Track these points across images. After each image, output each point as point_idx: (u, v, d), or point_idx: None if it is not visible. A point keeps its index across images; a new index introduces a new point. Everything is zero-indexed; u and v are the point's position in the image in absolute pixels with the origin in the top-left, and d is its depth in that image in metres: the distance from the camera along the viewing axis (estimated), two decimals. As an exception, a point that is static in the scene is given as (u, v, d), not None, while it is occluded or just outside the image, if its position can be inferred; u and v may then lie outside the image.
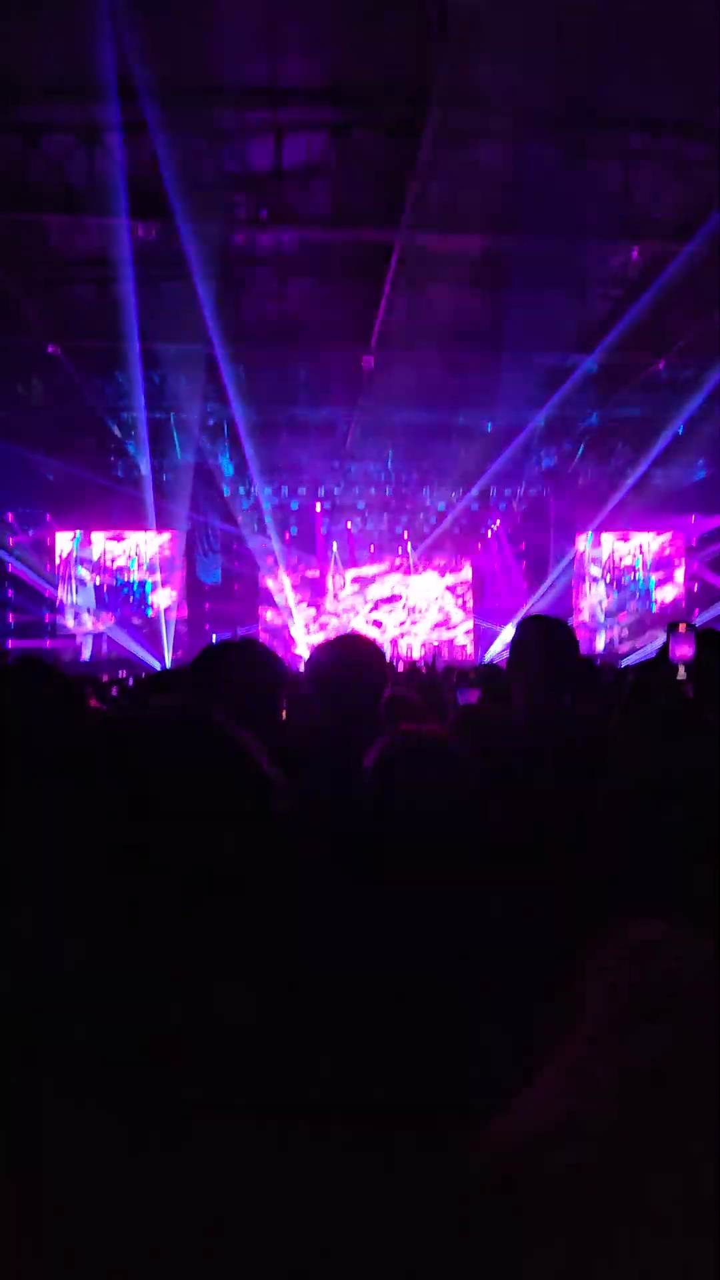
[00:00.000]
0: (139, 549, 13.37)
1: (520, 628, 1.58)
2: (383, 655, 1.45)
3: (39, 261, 7.50)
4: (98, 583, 13.33)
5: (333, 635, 1.62)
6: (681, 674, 1.44)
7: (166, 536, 13.35)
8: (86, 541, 13.33)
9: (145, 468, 11.09)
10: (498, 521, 14.44)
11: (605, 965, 0.39)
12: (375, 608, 14.60)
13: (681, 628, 1.50)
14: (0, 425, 10.41)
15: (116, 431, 11.37)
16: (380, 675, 1.40)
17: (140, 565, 13.37)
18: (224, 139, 6.15)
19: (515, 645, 1.54)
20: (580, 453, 12.56)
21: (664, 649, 1.51)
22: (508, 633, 13.43)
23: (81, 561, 13.30)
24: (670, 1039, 0.33)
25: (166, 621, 13.11)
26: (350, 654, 1.40)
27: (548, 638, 1.52)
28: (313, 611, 14.35)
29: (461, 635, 14.72)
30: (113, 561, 13.39)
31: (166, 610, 13.38)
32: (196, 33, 5.32)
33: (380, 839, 0.88)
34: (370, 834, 0.89)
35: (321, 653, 1.44)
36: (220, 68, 5.68)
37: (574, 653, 1.54)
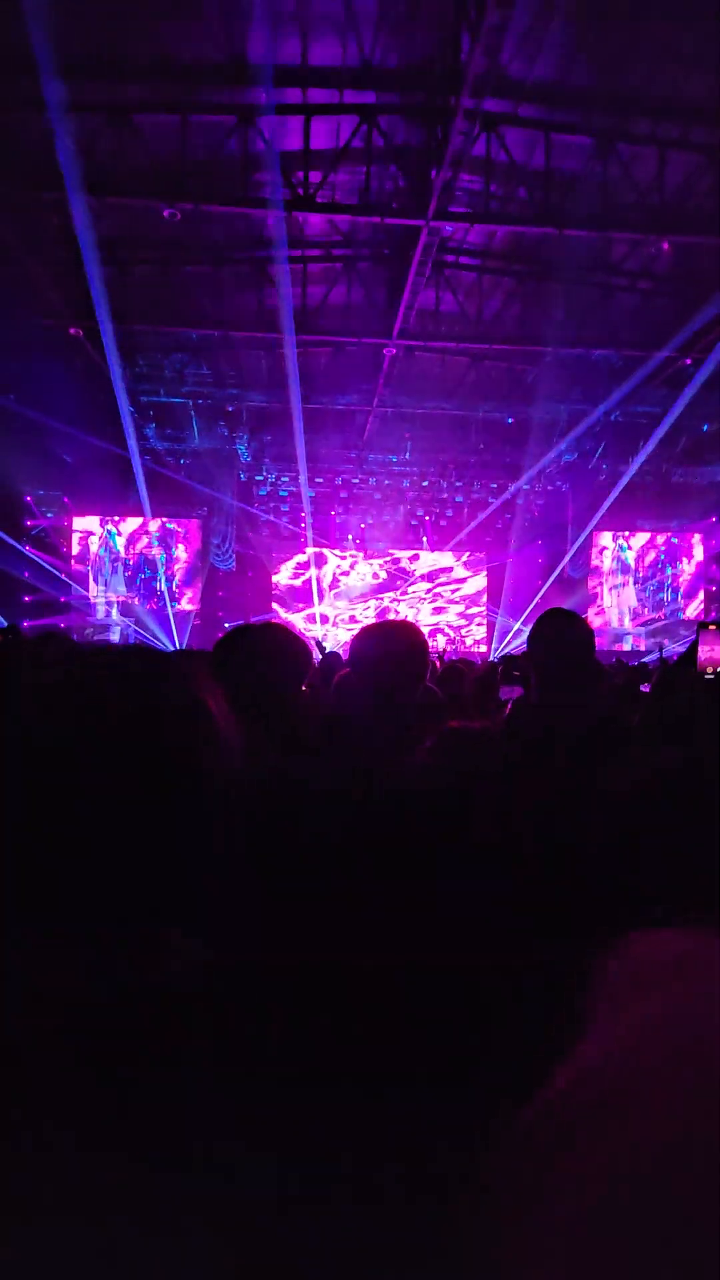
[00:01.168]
0: (161, 537, 13.49)
1: (539, 622, 1.56)
2: (425, 643, 1.44)
3: (62, 243, 7.49)
4: (104, 563, 13.44)
5: (374, 621, 1.60)
6: (710, 673, 1.43)
7: (159, 520, 13.43)
8: (118, 532, 13.43)
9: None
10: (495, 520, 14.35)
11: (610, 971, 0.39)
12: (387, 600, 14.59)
13: (712, 627, 1.48)
14: (19, 407, 10.45)
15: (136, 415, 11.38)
16: (423, 663, 1.39)
17: (165, 552, 13.50)
18: (252, 121, 6.09)
19: (533, 638, 1.53)
20: (601, 449, 12.43)
21: (693, 646, 1.49)
22: (518, 626, 13.40)
23: (110, 551, 13.41)
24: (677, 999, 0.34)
25: (178, 614, 13.25)
26: (395, 640, 1.39)
27: (564, 632, 1.50)
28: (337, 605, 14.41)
29: (475, 628, 14.69)
30: (138, 555, 13.50)
31: (182, 596, 13.47)
32: (227, 13, 5.27)
33: (425, 835, 0.85)
34: (414, 831, 0.87)
35: (366, 637, 1.43)
36: (250, 48, 5.63)
37: (590, 649, 1.53)
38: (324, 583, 14.24)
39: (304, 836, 1.12)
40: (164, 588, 13.40)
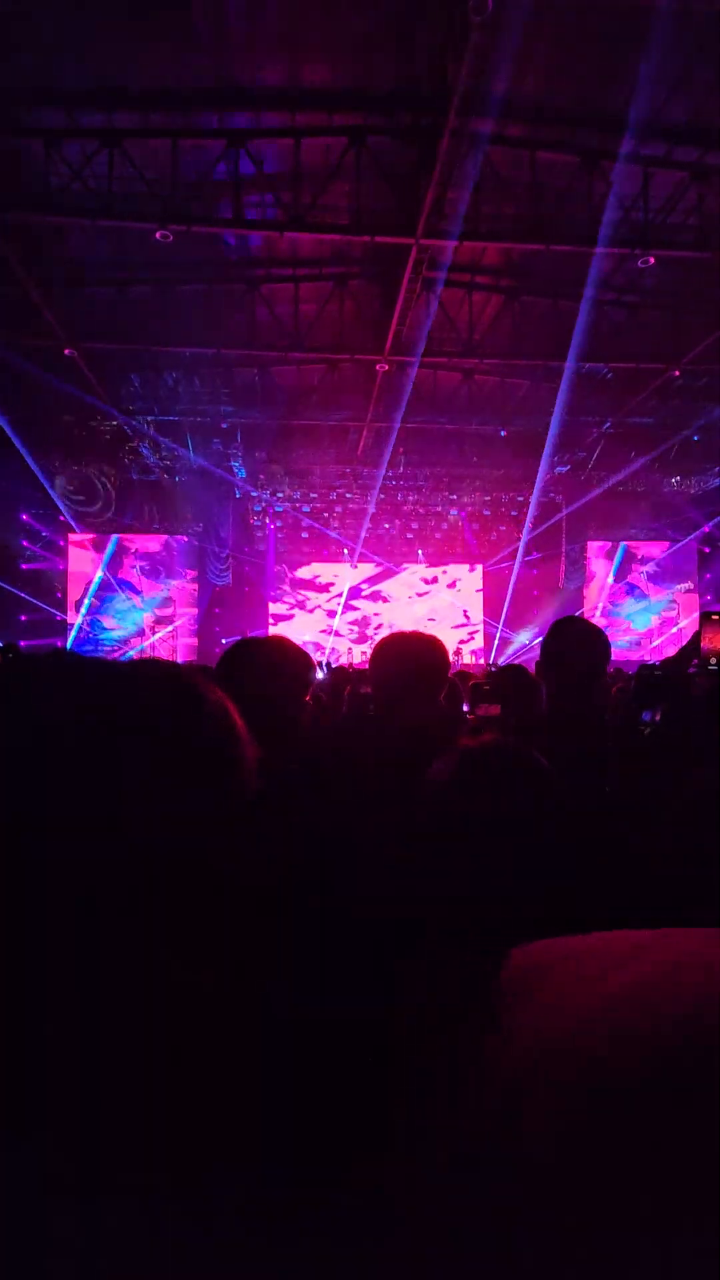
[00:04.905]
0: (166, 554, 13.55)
1: (554, 629, 1.57)
2: (444, 656, 1.44)
3: (58, 265, 7.57)
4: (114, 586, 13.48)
5: (391, 634, 1.58)
6: (713, 663, 1.42)
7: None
8: (127, 554, 13.46)
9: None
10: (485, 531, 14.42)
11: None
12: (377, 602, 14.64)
13: (715, 617, 1.48)
14: (15, 427, 10.50)
15: (130, 434, 11.46)
16: (440, 677, 1.39)
17: (166, 571, 13.56)
18: (242, 144, 6.18)
19: (548, 646, 1.53)
20: (594, 459, 12.53)
21: (695, 637, 1.49)
22: (523, 637, 13.43)
23: (122, 577, 13.45)
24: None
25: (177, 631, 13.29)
26: (411, 653, 1.39)
27: (582, 641, 1.50)
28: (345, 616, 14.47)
29: (472, 638, 14.71)
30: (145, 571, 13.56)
31: (178, 613, 13.51)
32: (218, 36, 5.36)
33: (450, 858, 0.83)
34: (439, 851, 0.84)
35: (385, 650, 1.43)
36: (241, 71, 5.72)
37: (606, 657, 1.53)
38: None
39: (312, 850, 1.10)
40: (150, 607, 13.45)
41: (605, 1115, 0.28)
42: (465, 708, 3.41)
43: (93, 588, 13.37)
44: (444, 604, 14.77)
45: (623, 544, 14.28)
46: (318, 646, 13.71)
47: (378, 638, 1.60)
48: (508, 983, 0.37)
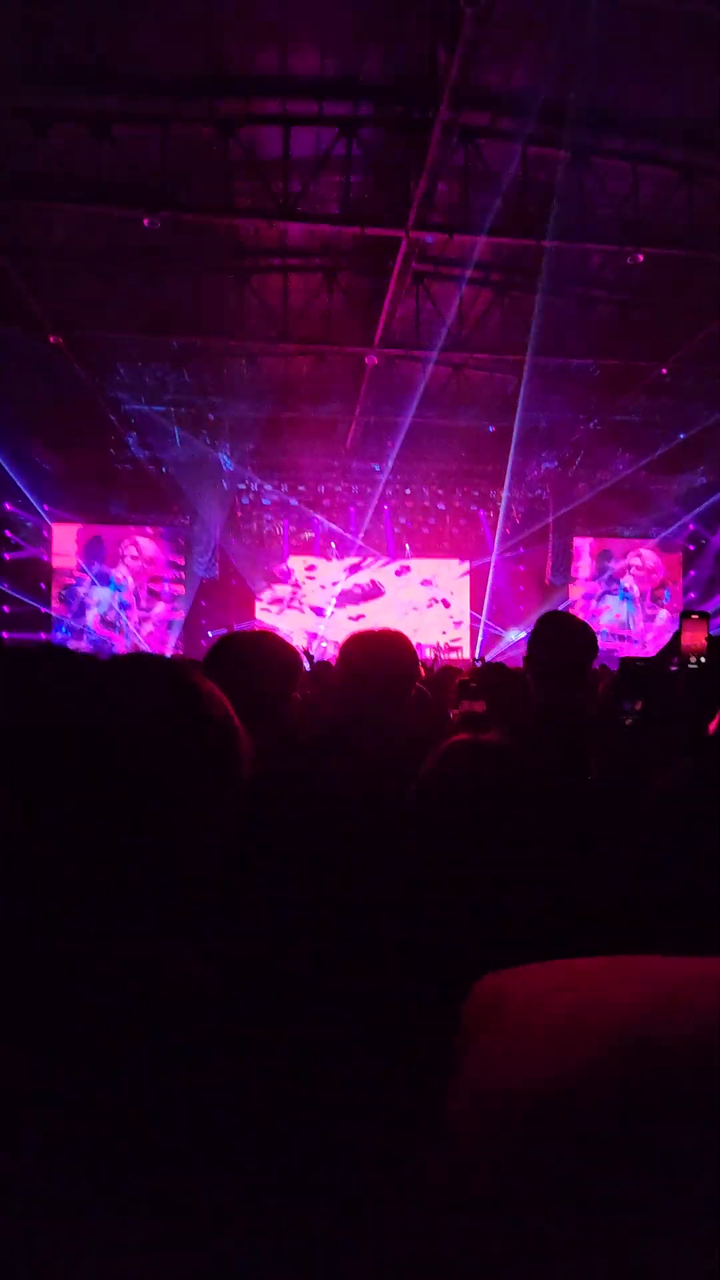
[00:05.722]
0: (151, 547, 13.44)
1: (540, 624, 1.57)
2: (412, 649, 1.45)
3: (43, 251, 7.45)
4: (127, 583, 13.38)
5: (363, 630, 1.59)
6: (692, 661, 1.43)
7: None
8: (112, 546, 13.31)
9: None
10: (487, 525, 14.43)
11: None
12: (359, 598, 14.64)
13: (694, 616, 1.49)
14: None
15: (116, 423, 11.35)
16: (412, 670, 1.40)
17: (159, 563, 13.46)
18: (232, 132, 6.12)
19: (534, 641, 1.54)
20: (580, 457, 12.59)
21: (676, 636, 1.50)
22: (512, 634, 13.50)
23: (107, 568, 13.30)
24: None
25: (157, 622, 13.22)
26: (382, 649, 1.40)
27: (569, 636, 1.51)
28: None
29: (450, 634, 14.74)
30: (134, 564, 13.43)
31: (166, 607, 13.42)
32: (208, 23, 5.30)
33: (432, 845, 0.83)
34: (425, 840, 0.84)
35: (353, 646, 1.44)
36: (231, 58, 5.66)
37: (593, 653, 1.54)
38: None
39: (299, 844, 1.10)
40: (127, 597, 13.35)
41: (535, 1159, 0.29)
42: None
43: (79, 581, 13.24)
44: (431, 599, 14.77)
45: (609, 541, 14.36)
46: (310, 635, 13.69)
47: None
48: (469, 1016, 0.37)
